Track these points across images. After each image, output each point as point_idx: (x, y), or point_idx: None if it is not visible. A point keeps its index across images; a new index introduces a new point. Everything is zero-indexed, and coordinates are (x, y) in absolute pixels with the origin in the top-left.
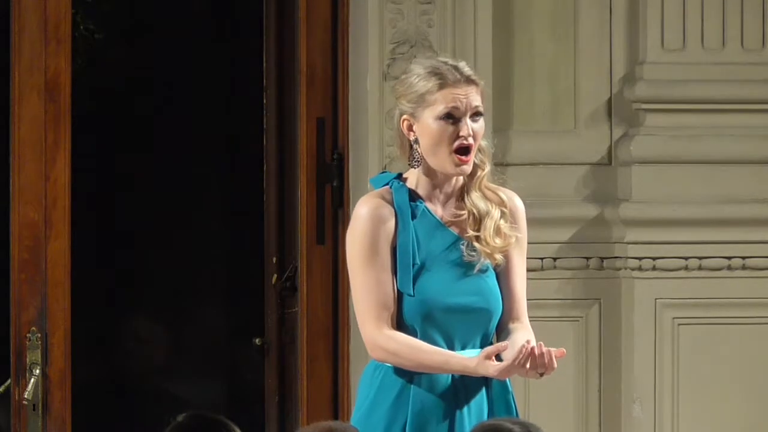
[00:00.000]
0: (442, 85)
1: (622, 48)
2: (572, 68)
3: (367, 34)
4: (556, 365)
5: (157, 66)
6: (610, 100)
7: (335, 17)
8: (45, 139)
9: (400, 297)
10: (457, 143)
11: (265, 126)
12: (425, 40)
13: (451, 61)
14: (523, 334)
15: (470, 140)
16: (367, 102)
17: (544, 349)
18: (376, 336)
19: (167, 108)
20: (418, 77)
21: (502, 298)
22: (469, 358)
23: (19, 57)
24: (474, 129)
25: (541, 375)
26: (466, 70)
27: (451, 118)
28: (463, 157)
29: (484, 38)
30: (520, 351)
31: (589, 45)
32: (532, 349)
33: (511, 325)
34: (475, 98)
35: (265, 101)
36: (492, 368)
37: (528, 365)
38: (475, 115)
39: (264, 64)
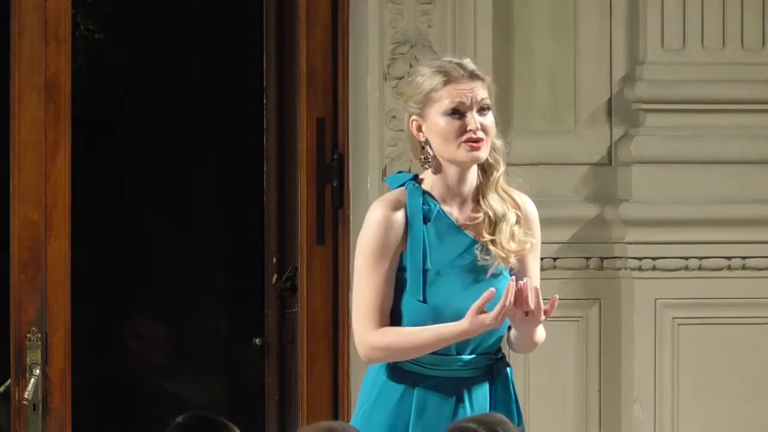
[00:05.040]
0: (447, 81)
1: (622, 48)
2: (572, 68)
3: (367, 34)
4: (542, 304)
5: (157, 66)
6: (610, 100)
7: (335, 17)
8: (45, 139)
9: (408, 302)
10: (465, 137)
11: (265, 126)
12: (425, 40)
13: (455, 60)
14: None
15: (479, 133)
16: (367, 102)
17: (523, 285)
18: (366, 336)
19: (167, 108)
20: (422, 77)
21: None
22: (459, 323)
23: (19, 57)
24: (483, 123)
25: (527, 314)
26: (470, 65)
27: (458, 112)
28: (475, 144)
29: (484, 38)
30: (507, 290)
31: (589, 45)
32: (517, 283)
33: None
34: (480, 92)
35: (265, 101)
36: (487, 319)
37: (515, 302)
38: (483, 109)
39: (264, 64)
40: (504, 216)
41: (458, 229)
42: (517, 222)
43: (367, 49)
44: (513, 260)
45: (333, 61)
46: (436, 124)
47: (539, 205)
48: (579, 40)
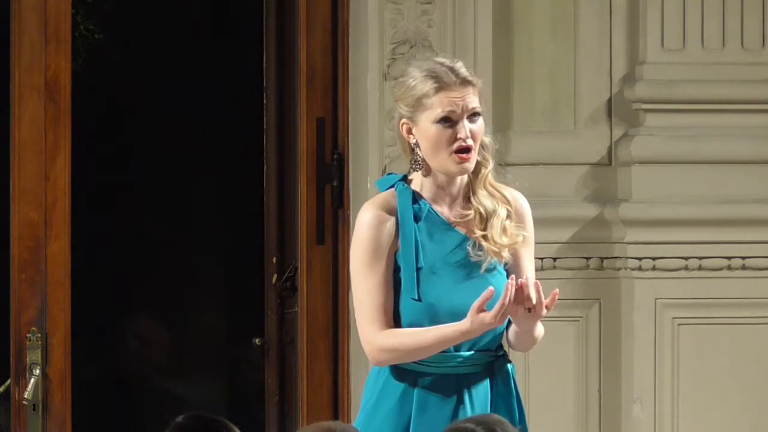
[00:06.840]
0: (439, 88)
1: (622, 48)
2: (572, 68)
3: (367, 34)
4: (544, 299)
5: (157, 66)
6: (610, 100)
7: (335, 17)
8: (45, 139)
9: (404, 301)
10: (455, 145)
11: (265, 126)
12: (425, 40)
13: (447, 62)
14: None
15: (469, 141)
16: (367, 102)
17: (524, 282)
18: (374, 338)
19: (167, 108)
20: (414, 80)
21: None
22: (461, 322)
23: (19, 57)
24: (472, 129)
25: (529, 310)
26: (463, 71)
27: (449, 121)
28: (464, 155)
29: (484, 38)
30: (506, 288)
31: (589, 45)
32: (517, 281)
33: None
34: (472, 99)
35: (265, 101)
36: (487, 317)
37: (515, 300)
38: (473, 115)
39: (264, 64)
40: (494, 211)
41: (449, 226)
42: (508, 217)
43: (367, 49)
44: (506, 254)
45: (333, 61)
46: (427, 131)
47: (539, 205)
48: (579, 40)
